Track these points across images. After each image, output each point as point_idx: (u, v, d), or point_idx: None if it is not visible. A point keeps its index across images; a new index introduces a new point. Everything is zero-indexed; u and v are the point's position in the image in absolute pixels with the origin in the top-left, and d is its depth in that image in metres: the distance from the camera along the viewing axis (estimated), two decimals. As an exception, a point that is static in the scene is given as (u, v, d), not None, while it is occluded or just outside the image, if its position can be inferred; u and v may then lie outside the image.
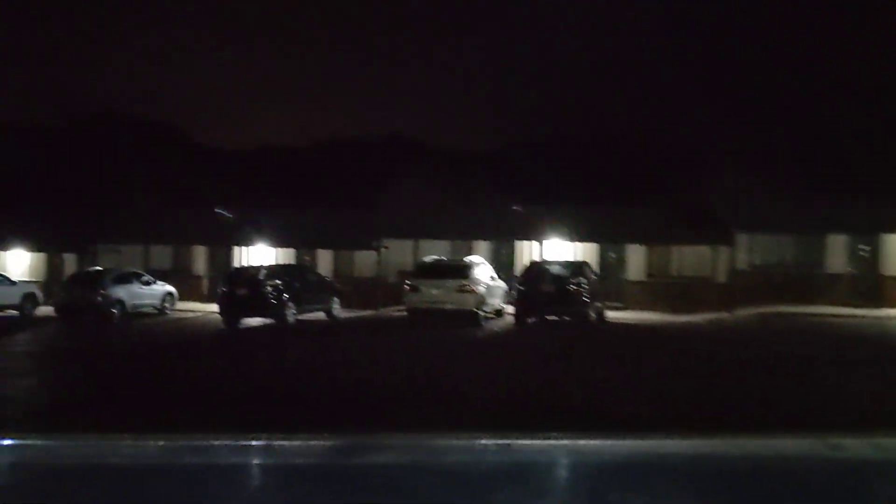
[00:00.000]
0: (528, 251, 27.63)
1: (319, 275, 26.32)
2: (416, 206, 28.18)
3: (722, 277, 26.15)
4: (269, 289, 21.67)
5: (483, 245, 28.35)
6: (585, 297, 20.94)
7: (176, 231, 30.34)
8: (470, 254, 25.73)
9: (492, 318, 22.30)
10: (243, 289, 21.87)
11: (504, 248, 28.70)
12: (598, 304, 22.13)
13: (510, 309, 22.68)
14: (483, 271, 22.54)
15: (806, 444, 1.76)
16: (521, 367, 13.97)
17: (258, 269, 23.30)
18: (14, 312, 25.31)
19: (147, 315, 25.00)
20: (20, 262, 30.67)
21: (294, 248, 29.54)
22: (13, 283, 26.17)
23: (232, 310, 21.89)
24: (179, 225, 30.75)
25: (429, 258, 23.60)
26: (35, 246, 30.58)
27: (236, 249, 29.55)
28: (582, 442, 1.75)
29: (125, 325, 23.19)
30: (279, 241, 29.10)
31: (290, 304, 21.97)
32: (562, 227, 26.92)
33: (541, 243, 27.38)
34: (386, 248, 28.38)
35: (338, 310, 24.48)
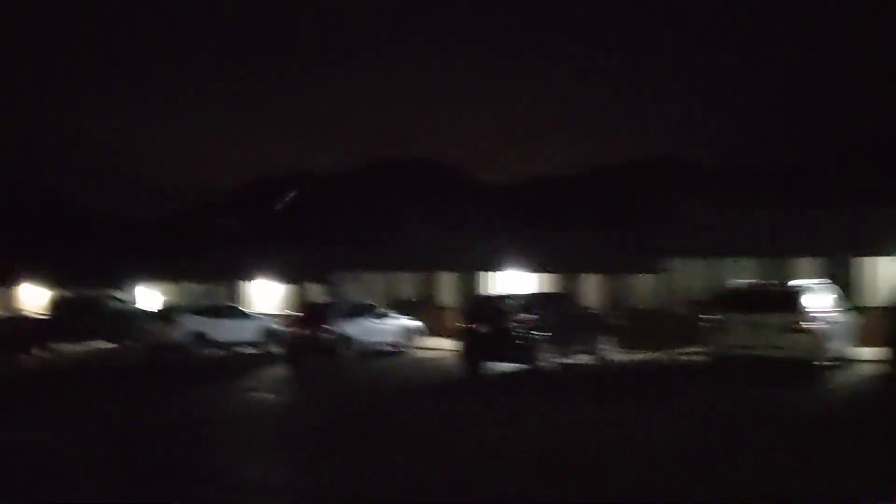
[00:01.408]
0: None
1: (584, 306, 20.72)
2: (701, 221, 21.91)
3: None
4: (518, 324, 16.58)
5: (807, 262, 20.82)
6: None
7: (421, 256, 26.74)
8: (791, 275, 18.60)
9: (834, 368, 15.12)
10: (485, 324, 17.02)
11: (839, 266, 20.88)
12: None
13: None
14: (823, 300, 15.46)
15: None
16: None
17: (504, 298, 18.32)
18: (252, 349, 23.19)
19: (382, 353, 21.27)
20: (268, 294, 29.12)
21: (554, 272, 24.26)
22: (250, 317, 24.05)
23: (473, 351, 17.15)
24: (426, 249, 27.16)
25: (738, 282, 16.94)
26: (283, 277, 28.80)
27: (486, 275, 25.01)
28: None
29: (353, 366, 19.50)
30: (536, 265, 24.07)
31: (547, 344, 16.69)
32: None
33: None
34: (671, 270, 22.06)
35: (609, 351, 18.74)
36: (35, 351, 22.37)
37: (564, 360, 17.32)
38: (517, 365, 17.06)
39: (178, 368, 20.37)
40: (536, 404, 13.15)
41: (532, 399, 13.82)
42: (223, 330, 22.50)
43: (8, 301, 37.56)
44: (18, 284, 37.64)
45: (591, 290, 23.92)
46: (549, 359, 16.72)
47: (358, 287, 25.84)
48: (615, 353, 18.88)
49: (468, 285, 24.98)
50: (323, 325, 19.90)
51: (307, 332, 20.13)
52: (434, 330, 24.42)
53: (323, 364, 19.84)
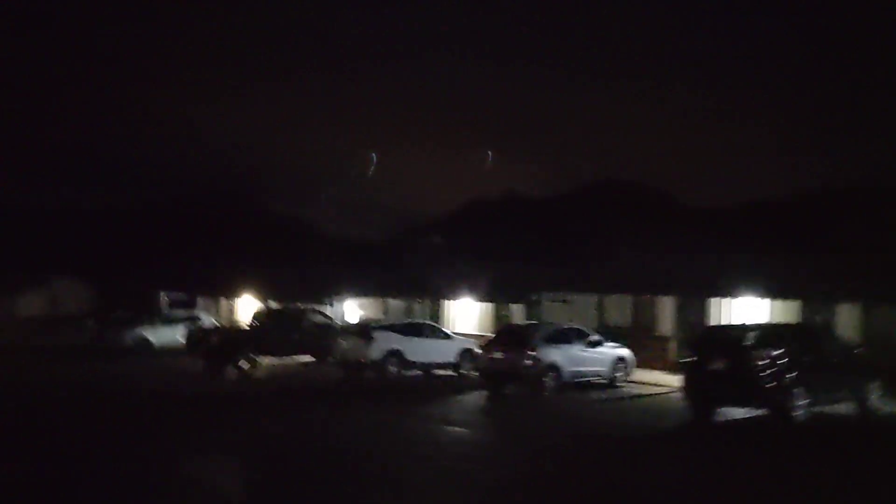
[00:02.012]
0: None
1: (844, 342, 16.87)
2: None
3: None
4: (763, 362, 13.45)
5: None
6: None
7: (635, 278, 23.91)
8: None
9: None
10: (720, 360, 14.04)
11: None
12: None
13: None
14: None
15: None
16: None
17: (742, 329, 15.15)
18: (448, 372, 21.78)
19: (590, 387, 18.79)
20: (468, 313, 27.68)
21: (800, 300, 20.40)
22: (448, 337, 22.61)
23: (702, 391, 14.24)
24: (640, 271, 24.30)
25: None
26: (485, 296, 27.22)
27: (712, 302, 21.68)
28: None
29: (557, 399, 17.22)
30: (777, 291, 20.40)
31: (798, 388, 13.40)
32: None
33: None
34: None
35: (881, 400, 14.96)
36: (241, 363, 22.42)
37: (819, 409, 13.91)
38: (757, 411, 13.93)
39: (372, 389, 19.29)
40: (798, 469, 10.12)
41: (790, 461, 10.76)
42: (420, 350, 21.26)
43: (225, 312, 39.57)
44: (239, 296, 39.51)
45: (845, 322, 19.82)
46: (801, 406, 13.41)
47: (564, 310, 23.56)
48: (885, 402, 15.04)
49: (690, 312, 21.79)
50: (525, 351, 17.82)
51: (508, 356, 18.16)
52: (649, 362, 21.55)
53: (523, 395, 17.78)
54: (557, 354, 18.10)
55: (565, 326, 19.74)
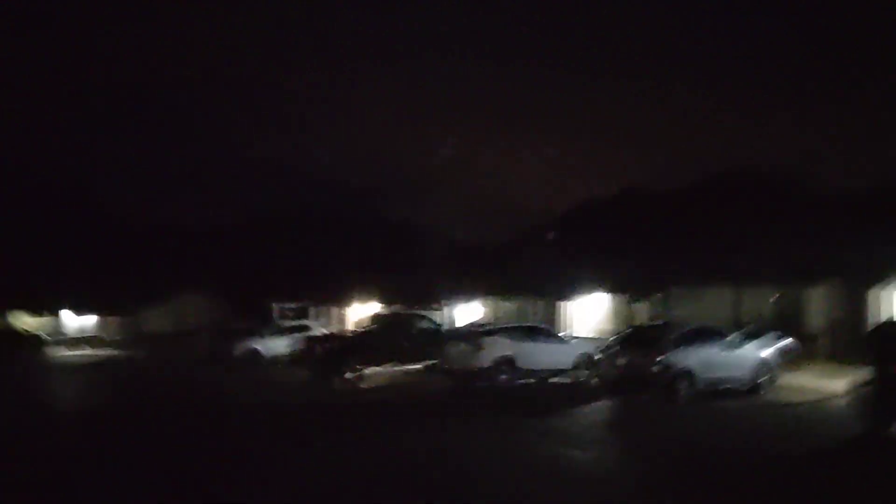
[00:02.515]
0: None
1: None
2: None
3: None
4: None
5: None
6: None
7: (780, 269, 21.03)
8: None
9: None
10: (902, 361, 11.40)
11: None
12: None
13: None
14: None
15: None
16: None
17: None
18: (565, 379, 19.78)
19: (730, 394, 16.29)
20: (586, 314, 25.48)
21: None
22: (564, 341, 20.60)
23: (884, 399, 11.62)
24: (785, 262, 21.37)
25: None
26: (604, 294, 24.97)
27: (876, 292, 18.60)
28: None
29: (694, 412, 14.87)
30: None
31: None
32: None
33: None
34: None
35: None
36: (347, 373, 21.30)
37: None
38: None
39: (482, 399, 17.59)
40: None
41: None
42: (534, 355, 19.36)
43: (336, 320, 39.05)
44: (350, 304, 38.95)
45: None
46: None
47: (696, 307, 21.01)
48: None
49: (853, 305, 18.80)
50: (654, 354, 15.58)
51: (634, 361, 15.97)
52: (799, 364, 18.74)
53: (652, 405, 15.54)
54: (691, 358, 15.74)
55: (699, 326, 17.28)
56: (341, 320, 39.05)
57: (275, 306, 42.21)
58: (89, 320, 44.24)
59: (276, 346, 29.23)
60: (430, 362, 22.67)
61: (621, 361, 16.22)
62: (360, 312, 35.22)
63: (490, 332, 19.79)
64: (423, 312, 26.57)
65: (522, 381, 19.39)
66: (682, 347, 15.78)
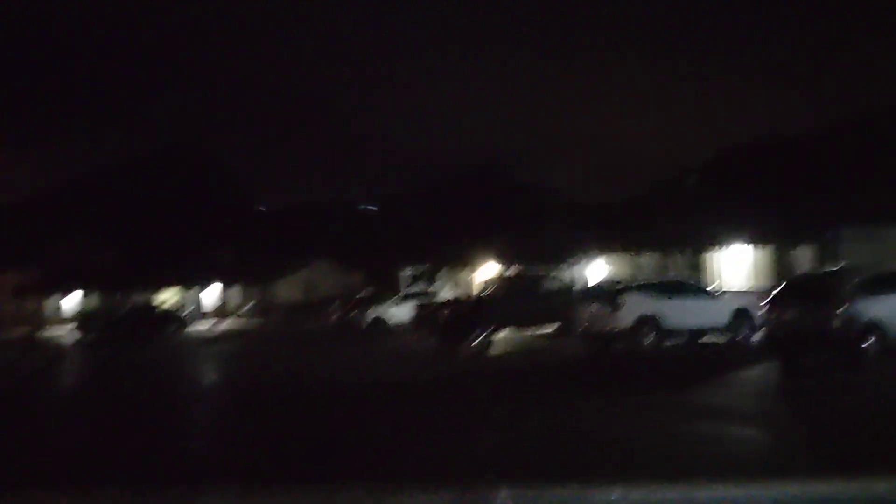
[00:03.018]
0: None
1: None
2: None
3: None
4: None
5: None
6: None
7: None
8: None
9: None
10: None
11: None
12: None
13: None
14: None
15: None
16: None
17: None
18: (718, 339, 17.40)
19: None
20: (738, 264, 22.68)
21: None
22: (714, 296, 18.12)
23: None
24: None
25: None
26: (758, 240, 22.10)
27: None
28: None
29: (891, 374, 12.24)
30: None
31: None
32: None
33: None
34: None
35: None
36: (473, 339, 19.85)
37: None
38: None
39: (624, 365, 15.61)
40: None
41: None
42: (681, 313, 17.07)
43: (463, 284, 37.74)
44: (477, 267, 37.51)
45: None
46: None
47: (873, 250, 17.87)
48: None
49: None
50: (833, 306, 12.96)
51: (806, 315, 13.40)
52: None
53: (830, 367, 12.98)
54: (882, 308, 12.99)
55: (887, 271, 14.33)
56: (468, 284, 37.71)
57: (401, 273, 41.53)
58: (224, 293, 45.36)
59: (401, 313, 28.34)
60: (561, 324, 20.88)
61: (790, 316, 13.66)
62: (485, 275, 33.66)
63: (629, 290, 17.61)
64: (556, 271, 24.62)
65: (668, 342, 17.21)
66: (867, 296, 13.05)
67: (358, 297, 33.78)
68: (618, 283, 19.02)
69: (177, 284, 46.59)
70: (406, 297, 29.40)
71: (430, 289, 31.98)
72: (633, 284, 18.09)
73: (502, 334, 20.80)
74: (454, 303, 23.45)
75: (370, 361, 19.40)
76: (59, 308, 47.18)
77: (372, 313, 29.31)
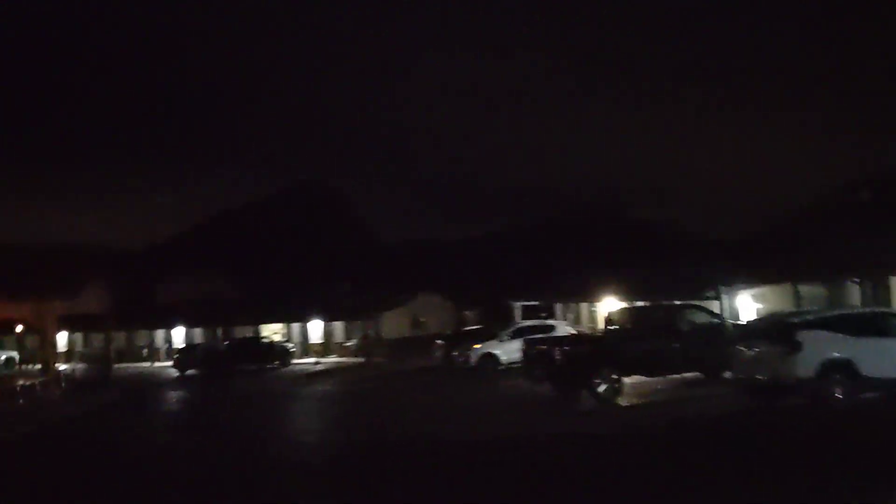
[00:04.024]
0: None
1: None
2: None
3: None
4: None
5: None
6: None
7: None
8: None
9: None
10: None
11: None
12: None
13: None
14: None
15: None
16: None
17: None
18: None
19: None
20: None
21: None
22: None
23: None
24: None
25: None
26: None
27: None
28: None
29: None
30: None
31: None
32: None
33: None
34: None
35: None
36: (598, 385, 16.08)
37: None
38: None
39: (810, 429, 11.43)
40: None
41: None
42: (886, 357, 12.68)
43: (584, 319, 33.75)
44: (599, 300, 33.48)
45: None
46: None
47: None
48: None
49: None
50: None
51: None
52: None
53: None
54: None
55: None
56: (589, 319, 33.69)
57: (515, 305, 37.95)
58: (330, 327, 43.27)
59: (514, 349, 24.83)
60: (711, 369, 16.72)
61: None
62: (609, 308, 29.54)
63: (808, 325, 13.28)
64: (697, 302, 20.30)
65: (867, 395, 12.80)
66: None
67: (466, 330, 30.63)
68: (791, 316, 14.62)
69: (284, 319, 45.03)
70: (518, 333, 25.89)
71: (550, 322, 28.24)
72: (816, 318, 13.65)
73: (630, 380, 16.86)
74: (573, 340, 19.72)
75: (479, 408, 16.33)
76: (167, 341, 46.60)
77: (481, 349, 26.00)
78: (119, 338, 46.92)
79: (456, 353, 27.35)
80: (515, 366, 24.19)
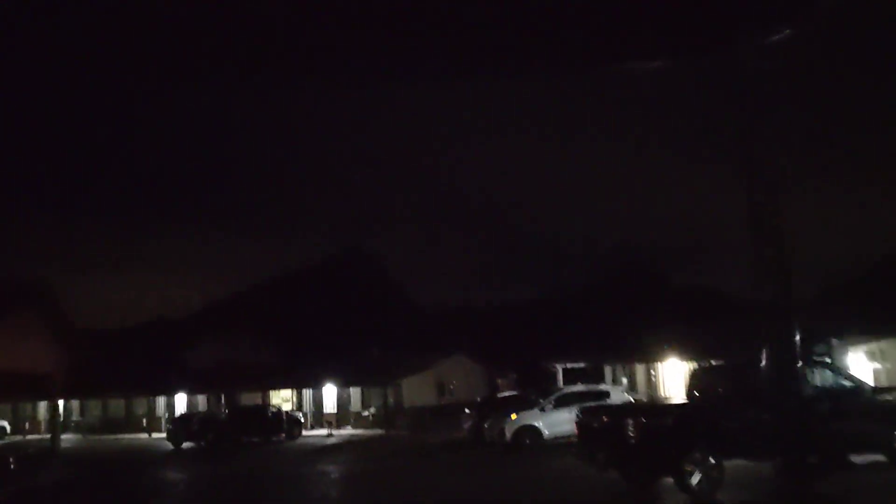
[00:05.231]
0: None
1: None
2: None
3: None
4: None
5: None
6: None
7: None
8: None
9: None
10: None
11: None
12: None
13: None
14: None
15: None
16: None
17: None
18: None
19: None
20: None
21: None
22: None
23: None
24: None
25: None
26: None
27: None
28: None
29: None
30: None
31: None
32: None
33: None
34: None
35: None
36: (688, 470, 11.32)
37: None
38: None
39: None
40: None
41: None
42: None
43: (645, 383, 28.77)
44: (661, 360, 28.57)
45: None
46: None
47: None
48: None
49: None
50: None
51: None
52: None
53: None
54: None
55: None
56: (647, 383, 28.65)
57: (556, 367, 32.98)
58: (347, 393, 38.62)
59: (561, 420, 20.03)
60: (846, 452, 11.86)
61: None
62: (676, 371, 24.53)
63: None
64: (815, 357, 15.29)
65: None
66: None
67: (499, 398, 25.88)
68: None
69: (294, 385, 40.49)
70: (563, 400, 21.14)
71: (603, 388, 23.37)
72: None
73: (735, 464, 11.98)
74: (648, 411, 14.86)
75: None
76: (168, 409, 42.18)
77: (519, 421, 21.23)
78: (118, 406, 42.86)
79: (487, 426, 22.61)
80: (561, 440, 19.43)
